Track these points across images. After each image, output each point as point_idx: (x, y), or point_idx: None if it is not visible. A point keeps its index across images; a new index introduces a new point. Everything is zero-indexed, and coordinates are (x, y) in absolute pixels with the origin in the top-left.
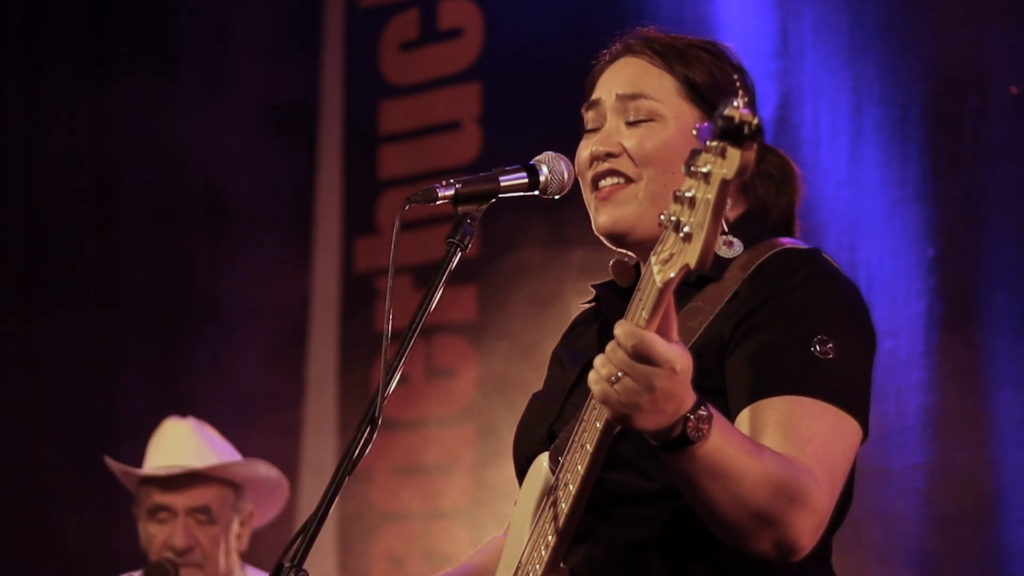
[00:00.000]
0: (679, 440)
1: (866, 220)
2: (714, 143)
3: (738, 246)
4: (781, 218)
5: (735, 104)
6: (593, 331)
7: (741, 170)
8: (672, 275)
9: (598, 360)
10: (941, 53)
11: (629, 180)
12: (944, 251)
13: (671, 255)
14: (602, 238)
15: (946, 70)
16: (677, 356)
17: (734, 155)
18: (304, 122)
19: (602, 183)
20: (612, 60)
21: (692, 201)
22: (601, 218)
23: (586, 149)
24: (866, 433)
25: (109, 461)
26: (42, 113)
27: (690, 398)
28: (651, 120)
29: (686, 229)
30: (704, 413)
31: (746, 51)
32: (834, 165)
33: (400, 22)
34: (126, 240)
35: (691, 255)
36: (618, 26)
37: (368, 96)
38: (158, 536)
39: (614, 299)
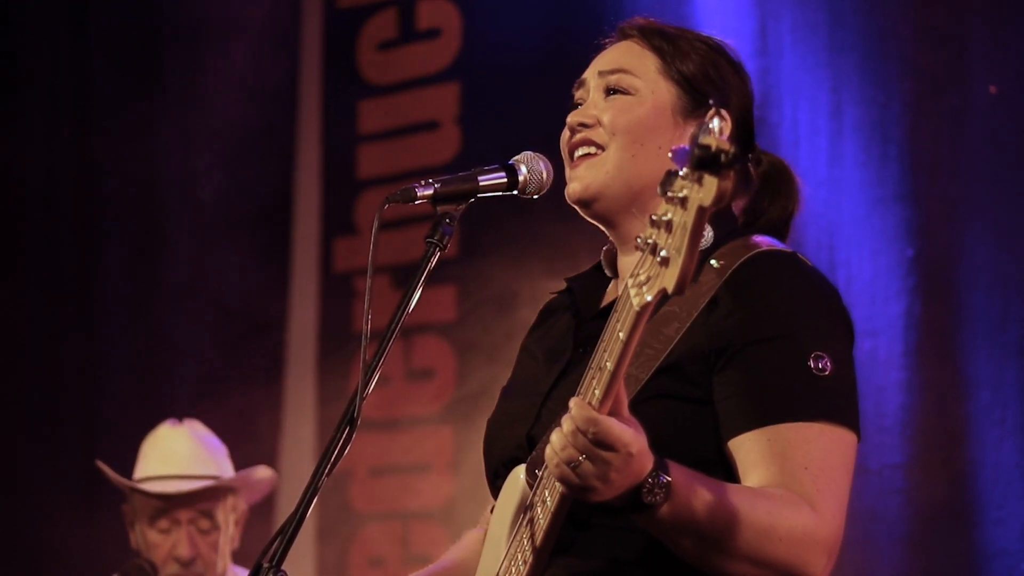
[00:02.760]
0: (634, 506)
1: (845, 220)
2: (690, 171)
3: (708, 237)
4: (771, 227)
5: (711, 128)
6: (564, 323)
7: (719, 198)
8: (649, 298)
9: (557, 440)
10: (920, 52)
11: (600, 149)
12: (923, 251)
13: (648, 278)
14: (573, 206)
15: (925, 69)
16: (632, 439)
17: (711, 183)
18: (282, 121)
19: (575, 153)
20: (603, 48)
21: (669, 225)
22: (570, 185)
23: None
24: (859, 436)
25: (103, 467)
26: (19, 116)
27: (645, 468)
28: (627, 93)
29: (663, 253)
30: (661, 480)
31: None
32: (813, 165)
33: (378, 22)
34: (104, 236)
35: (668, 279)
36: (597, 27)
37: (347, 96)
38: (162, 546)
39: (589, 291)
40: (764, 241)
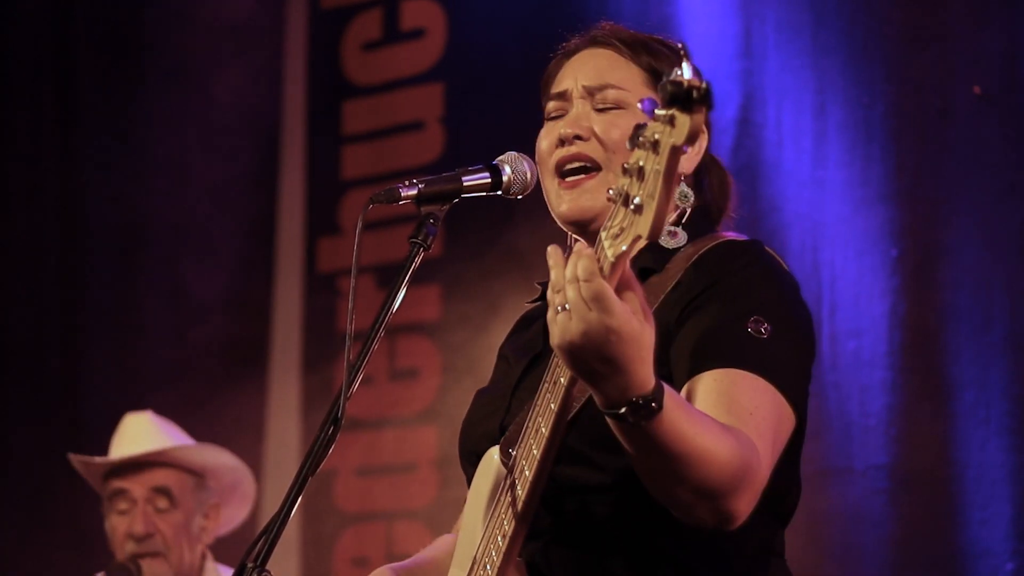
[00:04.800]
0: (632, 409)
1: (829, 220)
2: (662, 112)
3: (682, 237)
4: (717, 211)
5: (681, 70)
6: (538, 327)
7: (692, 136)
8: (624, 248)
9: (555, 279)
10: (904, 53)
11: (596, 168)
12: (907, 251)
13: (621, 229)
14: (563, 225)
15: (909, 70)
16: (625, 319)
17: (684, 121)
18: (267, 122)
19: (568, 167)
20: (573, 53)
21: (641, 172)
22: (564, 206)
23: (550, 134)
24: (801, 425)
25: (72, 457)
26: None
27: (637, 372)
28: (619, 108)
29: (636, 200)
30: (660, 394)
31: (709, 52)
32: (797, 166)
33: (363, 22)
34: (87, 236)
35: (643, 226)
36: (581, 27)
37: (331, 96)
38: (120, 527)
39: None
40: (730, 234)
